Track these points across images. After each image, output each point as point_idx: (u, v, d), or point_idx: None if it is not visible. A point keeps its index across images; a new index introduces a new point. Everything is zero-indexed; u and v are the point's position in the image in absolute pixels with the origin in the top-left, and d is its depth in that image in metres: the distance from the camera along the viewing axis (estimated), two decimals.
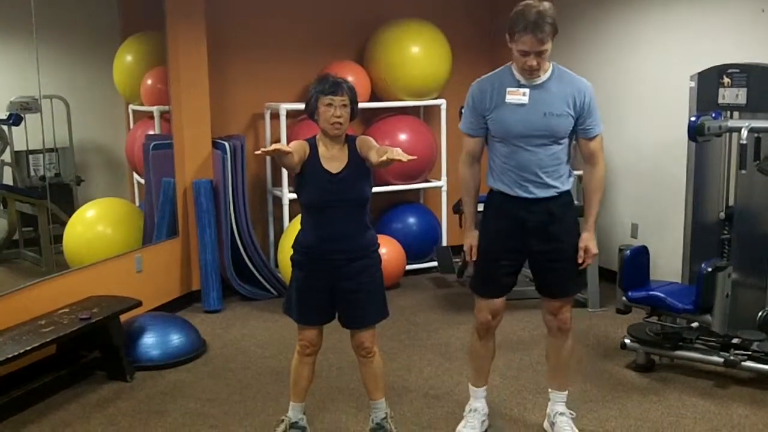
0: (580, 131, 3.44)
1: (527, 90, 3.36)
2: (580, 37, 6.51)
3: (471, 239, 3.59)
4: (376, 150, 3.34)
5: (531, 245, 3.49)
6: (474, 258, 3.59)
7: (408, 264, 6.44)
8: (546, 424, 3.82)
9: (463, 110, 3.58)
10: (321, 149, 3.47)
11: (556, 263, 3.51)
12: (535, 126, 3.34)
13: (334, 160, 3.46)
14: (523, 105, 3.35)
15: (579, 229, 3.55)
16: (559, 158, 3.43)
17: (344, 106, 3.40)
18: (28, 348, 3.96)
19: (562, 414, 3.72)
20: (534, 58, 3.24)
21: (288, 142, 5.92)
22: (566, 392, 3.76)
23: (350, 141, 3.51)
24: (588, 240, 3.49)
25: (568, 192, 3.50)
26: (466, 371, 3.95)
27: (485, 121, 3.44)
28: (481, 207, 3.64)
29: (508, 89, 3.38)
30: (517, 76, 3.39)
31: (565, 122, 3.37)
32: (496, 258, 3.53)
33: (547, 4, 3.25)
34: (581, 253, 3.49)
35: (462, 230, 3.79)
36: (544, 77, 3.37)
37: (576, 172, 3.68)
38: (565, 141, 3.44)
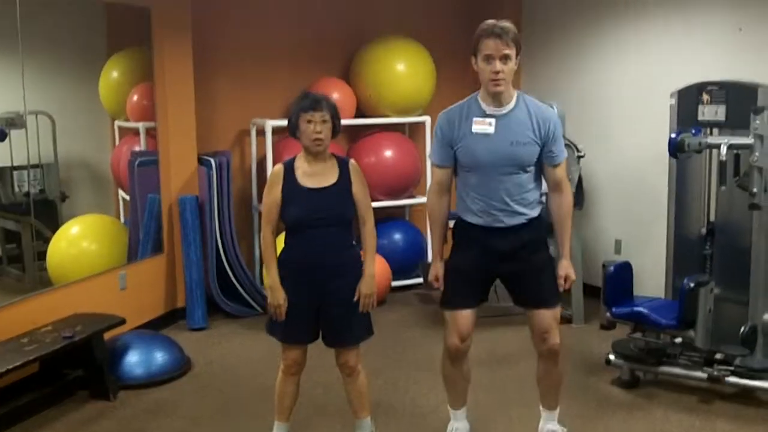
0: (545, 158, 3.47)
1: (493, 120, 3.39)
2: (562, 55, 6.57)
3: (436, 270, 3.61)
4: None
5: (501, 268, 3.54)
6: (440, 287, 3.61)
7: (394, 280, 6.45)
8: None
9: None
10: (303, 167, 3.49)
11: (529, 278, 3.53)
12: (502, 155, 3.38)
13: (316, 176, 3.47)
14: (489, 135, 3.39)
15: (548, 245, 3.61)
16: (527, 186, 3.46)
17: (324, 122, 3.42)
18: (11, 367, 3.93)
19: (553, 430, 3.73)
20: (498, 63, 3.27)
21: (273, 158, 5.99)
22: (557, 410, 3.77)
23: (342, 162, 3.53)
24: (567, 267, 3.53)
25: (537, 217, 3.53)
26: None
27: (454, 151, 3.47)
28: (451, 224, 3.66)
29: (475, 119, 3.41)
30: (483, 105, 3.42)
31: (531, 150, 3.41)
32: (465, 274, 3.54)
33: (508, 21, 3.32)
34: (561, 281, 3.53)
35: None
36: (509, 107, 3.41)
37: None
38: (532, 168, 3.47)
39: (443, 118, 3.51)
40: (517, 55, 3.31)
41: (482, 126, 3.39)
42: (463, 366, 3.68)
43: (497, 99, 3.39)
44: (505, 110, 3.40)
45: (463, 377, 3.73)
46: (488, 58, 3.28)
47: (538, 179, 3.52)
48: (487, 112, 3.40)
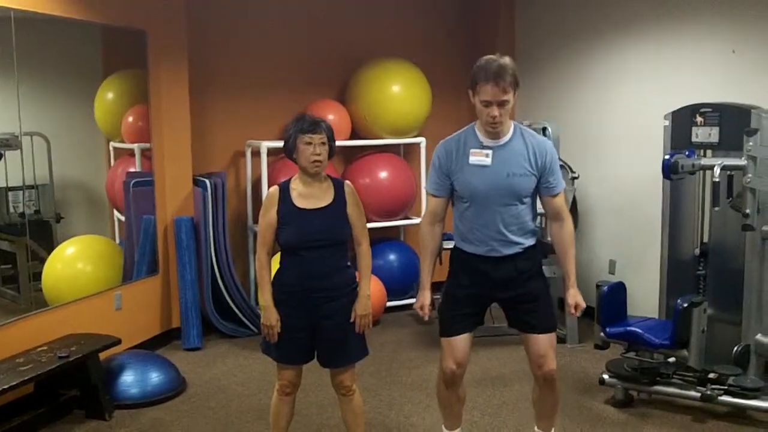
0: (543, 189, 3.49)
1: (490, 151, 3.41)
2: (557, 77, 6.63)
3: (423, 299, 3.60)
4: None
5: (497, 294, 3.56)
6: (425, 316, 3.60)
7: (388, 301, 6.46)
8: None
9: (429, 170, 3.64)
10: (298, 188, 3.51)
11: (525, 304, 3.53)
12: (499, 187, 3.40)
13: (312, 197, 3.50)
14: (486, 166, 3.41)
15: (543, 272, 3.63)
16: (524, 217, 3.48)
17: (323, 144, 3.45)
18: (6, 387, 3.93)
19: None
20: (496, 108, 3.29)
21: (269, 180, 6.01)
22: (553, 430, 3.77)
23: (337, 183, 3.56)
24: (575, 296, 3.53)
25: (533, 245, 3.56)
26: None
27: (450, 181, 3.50)
28: (449, 244, 3.68)
29: (472, 150, 3.43)
30: (480, 137, 3.44)
31: (528, 181, 3.43)
32: (461, 300, 3.56)
33: (507, 59, 3.32)
34: (572, 310, 3.53)
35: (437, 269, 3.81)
36: (506, 138, 3.43)
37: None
38: (529, 200, 3.49)
39: (441, 149, 3.53)
40: (515, 92, 3.32)
41: (479, 157, 3.41)
42: (458, 389, 3.68)
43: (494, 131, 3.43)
44: (501, 142, 3.42)
45: (458, 400, 3.73)
46: (486, 103, 3.31)
47: (534, 209, 3.54)
48: (484, 144, 3.43)
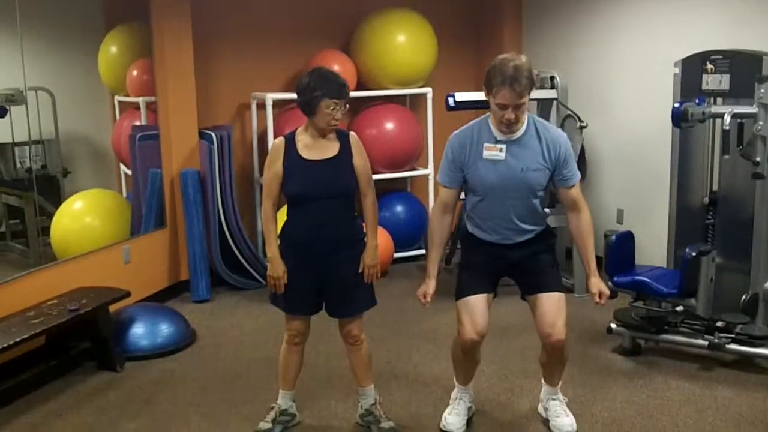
0: (558, 182, 3.47)
1: (504, 146, 3.39)
2: (565, 26, 6.54)
3: (427, 287, 3.56)
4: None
5: (509, 270, 3.60)
6: (427, 304, 3.57)
7: (396, 252, 6.47)
8: (540, 408, 3.87)
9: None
10: (304, 139, 3.49)
11: (534, 269, 3.55)
12: (513, 181, 3.39)
13: (318, 148, 3.48)
14: (500, 161, 3.39)
15: (555, 249, 3.67)
16: (537, 208, 3.50)
17: (344, 106, 3.43)
18: (18, 339, 3.97)
19: (555, 399, 3.77)
20: (512, 112, 3.27)
21: (274, 132, 5.98)
22: (559, 385, 3.80)
23: (342, 135, 3.54)
24: (598, 284, 3.48)
25: (544, 229, 3.59)
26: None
27: (463, 174, 3.48)
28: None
29: (485, 145, 3.41)
30: (494, 131, 3.41)
31: (542, 176, 3.42)
32: (477, 267, 3.57)
33: (523, 58, 3.29)
34: (596, 298, 3.47)
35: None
36: (519, 132, 3.40)
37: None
38: (542, 192, 3.49)
39: (455, 141, 3.50)
40: (530, 90, 3.29)
41: (493, 152, 3.39)
42: (476, 355, 3.69)
43: None
44: (515, 136, 3.39)
45: (475, 363, 3.76)
46: (502, 107, 3.28)
47: (546, 197, 3.55)
48: (498, 138, 3.40)
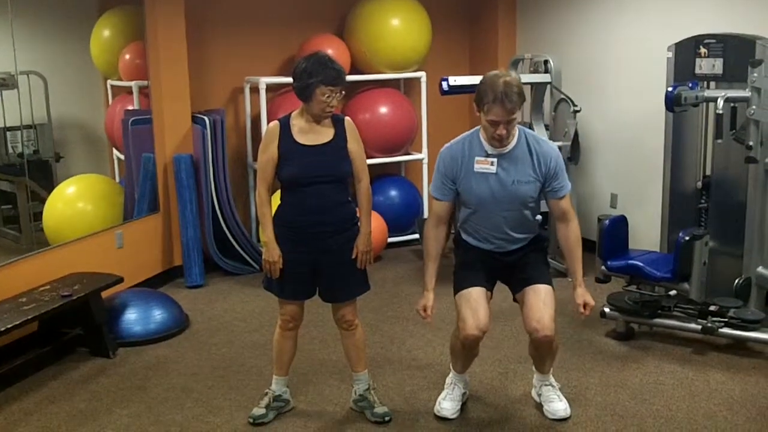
0: (548, 193, 3.49)
1: (495, 159, 3.40)
2: (558, 10, 6.51)
3: (426, 300, 3.56)
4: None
5: (503, 273, 3.63)
6: (427, 318, 3.56)
7: (390, 236, 6.47)
8: (534, 393, 3.88)
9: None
10: (299, 124, 3.47)
11: (524, 265, 3.57)
12: (504, 194, 3.41)
13: (313, 133, 3.46)
14: (491, 174, 3.40)
15: (547, 253, 3.70)
16: (529, 219, 3.52)
17: (340, 92, 3.41)
18: (10, 326, 3.96)
19: (547, 384, 3.78)
20: (504, 128, 3.29)
21: (268, 116, 5.96)
22: (551, 372, 3.80)
23: (337, 119, 3.53)
24: (584, 295, 3.50)
25: (537, 236, 3.62)
26: (449, 343, 3.98)
27: (455, 187, 3.49)
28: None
29: (477, 158, 3.42)
30: (485, 145, 3.42)
31: (533, 188, 3.44)
32: (472, 264, 3.59)
33: (513, 74, 3.32)
34: (581, 309, 3.49)
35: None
36: (510, 145, 3.41)
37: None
38: (534, 204, 3.51)
39: (446, 154, 3.51)
40: (521, 106, 3.32)
41: (484, 165, 3.41)
42: (476, 349, 3.68)
43: None
44: (506, 149, 3.41)
45: (473, 356, 3.76)
46: (493, 123, 3.29)
47: (537, 207, 3.56)
48: (489, 152, 3.41)
